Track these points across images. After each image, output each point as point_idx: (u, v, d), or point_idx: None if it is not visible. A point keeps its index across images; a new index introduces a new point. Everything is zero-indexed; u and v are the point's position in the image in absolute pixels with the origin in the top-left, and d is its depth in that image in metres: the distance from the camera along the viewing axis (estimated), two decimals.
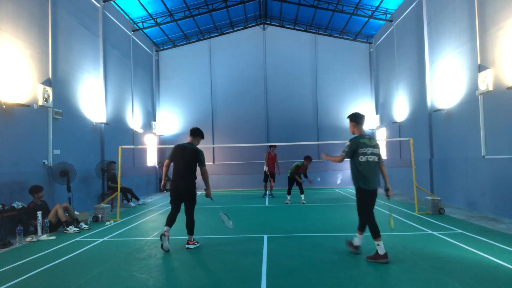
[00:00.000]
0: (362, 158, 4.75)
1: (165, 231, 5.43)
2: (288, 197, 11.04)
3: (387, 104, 15.76)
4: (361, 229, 5.01)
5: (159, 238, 5.62)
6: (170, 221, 5.56)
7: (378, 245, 4.64)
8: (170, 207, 5.70)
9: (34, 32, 8.39)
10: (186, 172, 5.47)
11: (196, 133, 5.80)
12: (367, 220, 4.80)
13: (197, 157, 5.52)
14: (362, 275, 4.19)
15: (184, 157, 5.50)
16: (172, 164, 5.70)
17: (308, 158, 10.84)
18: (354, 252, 5.08)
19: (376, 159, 4.85)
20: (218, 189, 17.00)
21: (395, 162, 14.46)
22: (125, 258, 5.17)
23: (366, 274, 4.22)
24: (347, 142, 4.88)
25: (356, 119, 4.99)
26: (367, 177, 4.76)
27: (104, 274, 4.45)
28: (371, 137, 4.96)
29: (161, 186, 5.78)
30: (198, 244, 5.71)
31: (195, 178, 5.59)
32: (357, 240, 5.07)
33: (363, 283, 3.92)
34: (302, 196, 10.82)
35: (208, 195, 5.76)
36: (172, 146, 5.80)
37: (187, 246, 5.59)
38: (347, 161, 4.92)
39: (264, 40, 17.94)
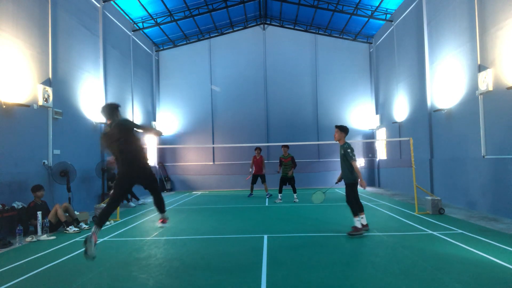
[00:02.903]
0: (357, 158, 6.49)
1: (93, 233, 4.16)
2: (279, 195, 11.44)
3: (387, 104, 15.76)
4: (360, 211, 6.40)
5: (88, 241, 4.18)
6: (104, 220, 4.38)
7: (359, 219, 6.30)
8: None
9: (34, 32, 8.39)
10: (128, 150, 4.46)
11: (110, 110, 4.61)
12: (360, 203, 6.56)
13: (126, 128, 4.50)
14: (361, 275, 4.19)
15: (114, 138, 4.44)
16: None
17: (284, 146, 11.55)
18: (366, 229, 6.41)
19: None
20: (218, 189, 17.01)
21: (395, 162, 14.47)
22: (125, 258, 5.17)
23: (366, 274, 4.22)
24: (349, 149, 6.26)
25: (348, 130, 6.55)
26: None
27: (104, 274, 4.45)
28: None
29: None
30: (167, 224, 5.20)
31: (142, 153, 4.64)
32: (358, 222, 6.22)
33: (363, 283, 3.92)
34: (295, 195, 11.38)
35: (158, 133, 5.21)
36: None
37: (160, 225, 5.12)
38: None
39: (264, 40, 17.94)
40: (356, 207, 6.35)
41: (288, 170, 11.28)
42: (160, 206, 4.96)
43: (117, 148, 4.46)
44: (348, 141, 6.51)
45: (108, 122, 4.61)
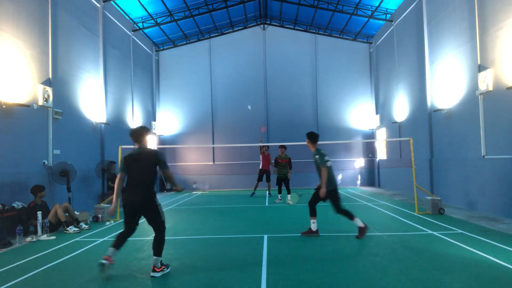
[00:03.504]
0: (328, 163, 6.09)
1: (107, 256, 4.21)
2: (279, 196, 11.46)
3: (387, 104, 15.77)
4: (352, 218, 6.06)
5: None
6: (119, 242, 4.39)
7: (313, 222, 6.34)
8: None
9: (34, 32, 8.39)
10: (142, 179, 4.35)
11: (138, 134, 4.52)
12: (343, 210, 6.11)
13: (156, 160, 4.43)
14: (361, 275, 4.19)
15: (140, 163, 4.37)
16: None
17: (281, 147, 11.38)
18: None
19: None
20: (218, 189, 17.02)
21: (395, 162, 14.46)
22: (125, 258, 5.17)
23: (366, 274, 4.22)
24: (317, 155, 6.09)
25: (314, 137, 6.38)
26: (334, 178, 6.23)
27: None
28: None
29: (110, 211, 4.55)
30: (168, 270, 4.42)
31: (153, 186, 4.48)
32: (359, 221, 6.03)
33: (363, 283, 3.92)
34: (289, 196, 10.98)
35: (180, 190, 4.93)
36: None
37: (152, 274, 4.28)
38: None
39: (264, 40, 17.94)
40: (347, 213, 6.02)
41: (286, 171, 11.22)
42: (155, 247, 4.40)
43: (137, 169, 4.36)
44: (319, 146, 6.31)
45: (137, 146, 4.54)
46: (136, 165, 4.37)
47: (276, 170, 11.45)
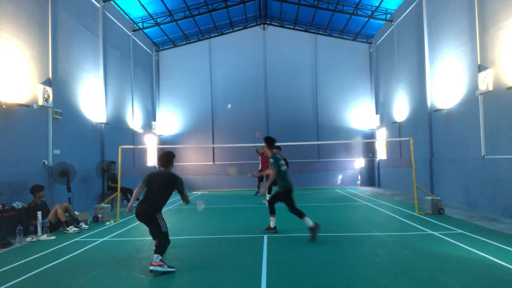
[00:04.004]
0: (282, 168, 6.52)
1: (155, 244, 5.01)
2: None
3: (387, 104, 15.77)
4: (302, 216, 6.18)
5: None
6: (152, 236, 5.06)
7: (271, 220, 6.73)
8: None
9: (34, 32, 8.39)
10: (154, 195, 4.81)
11: (167, 161, 5.06)
12: (297, 210, 6.25)
13: (174, 185, 4.94)
14: (362, 275, 4.19)
15: (157, 185, 4.86)
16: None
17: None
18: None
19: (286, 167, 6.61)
20: (218, 189, 17.02)
21: (395, 162, 14.47)
22: (125, 258, 5.18)
23: (366, 274, 4.21)
24: (271, 159, 6.55)
25: (269, 141, 6.81)
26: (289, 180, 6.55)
27: (104, 274, 4.45)
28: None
29: (127, 209, 5.13)
30: (168, 269, 4.42)
31: (162, 204, 4.92)
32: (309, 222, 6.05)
33: (363, 283, 3.92)
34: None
35: (187, 202, 5.27)
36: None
37: (150, 267, 4.36)
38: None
39: (264, 40, 17.93)
40: (300, 212, 6.23)
41: None
42: (156, 246, 4.64)
43: (153, 187, 4.86)
44: (277, 154, 6.74)
45: (162, 168, 5.10)
46: (153, 184, 4.87)
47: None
